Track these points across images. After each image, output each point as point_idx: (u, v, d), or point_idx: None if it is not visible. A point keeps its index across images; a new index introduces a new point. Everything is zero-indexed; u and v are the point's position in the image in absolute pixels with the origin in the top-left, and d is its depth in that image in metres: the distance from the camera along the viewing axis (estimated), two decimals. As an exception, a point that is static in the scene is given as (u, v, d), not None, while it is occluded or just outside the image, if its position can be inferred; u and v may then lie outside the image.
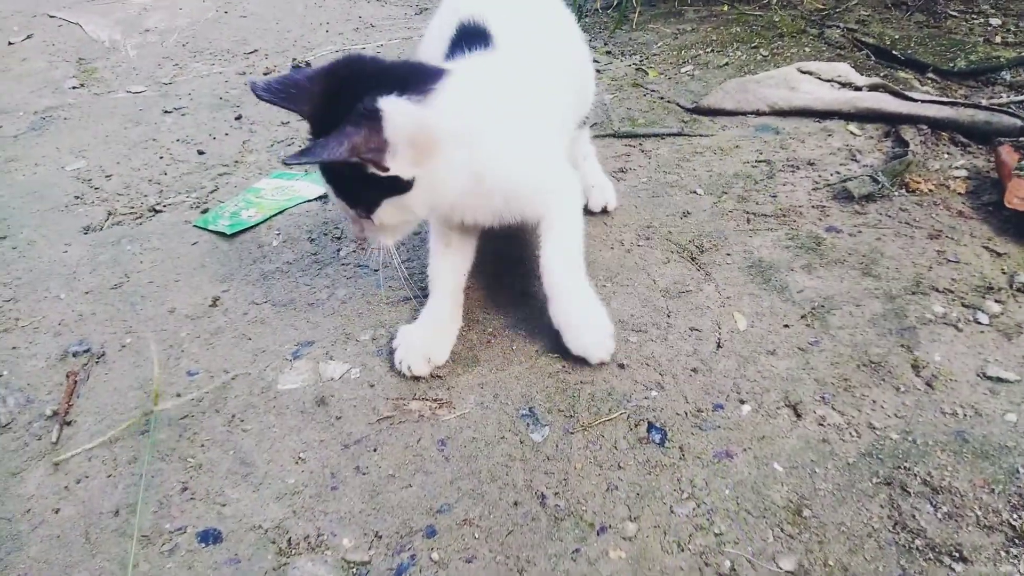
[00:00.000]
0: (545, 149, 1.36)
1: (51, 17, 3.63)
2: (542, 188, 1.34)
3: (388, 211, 1.20)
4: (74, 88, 2.81)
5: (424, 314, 1.40)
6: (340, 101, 1.12)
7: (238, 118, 2.45)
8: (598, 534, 1.05)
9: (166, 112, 2.54)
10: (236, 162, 2.17)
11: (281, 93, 1.18)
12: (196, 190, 2.02)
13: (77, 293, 1.61)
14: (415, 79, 1.17)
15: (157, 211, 1.93)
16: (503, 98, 1.29)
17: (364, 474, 1.16)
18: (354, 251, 1.68)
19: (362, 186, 1.16)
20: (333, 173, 1.20)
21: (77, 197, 2.01)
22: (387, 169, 1.12)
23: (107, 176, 2.12)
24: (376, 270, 1.61)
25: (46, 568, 1.04)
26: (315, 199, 1.92)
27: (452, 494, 1.12)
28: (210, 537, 1.07)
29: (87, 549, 1.06)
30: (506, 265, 1.58)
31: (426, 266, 1.59)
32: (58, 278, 1.66)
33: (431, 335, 1.36)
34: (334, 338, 1.43)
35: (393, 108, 1.10)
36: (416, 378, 1.32)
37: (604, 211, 1.74)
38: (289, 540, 1.06)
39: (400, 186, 1.16)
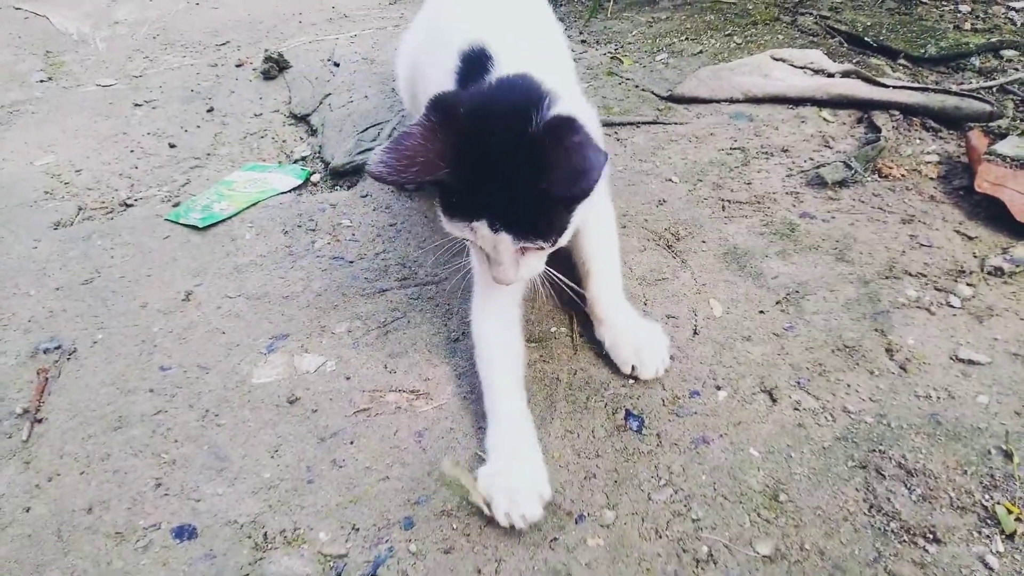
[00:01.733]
0: None
1: (17, 9, 3.55)
2: None
3: (573, 225, 1.14)
4: (42, 82, 2.75)
5: (499, 444, 1.14)
6: (491, 139, 1.05)
7: (210, 110, 2.42)
8: (576, 523, 1.06)
9: (136, 105, 2.50)
10: (208, 155, 2.14)
11: (403, 168, 1.02)
12: (168, 183, 1.99)
13: (47, 289, 1.58)
14: (533, 89, 1.11)
15: (128, 205, 1.90)
16: None
17: (341, 467, 1.15)
18: (328, 243, 1.66)
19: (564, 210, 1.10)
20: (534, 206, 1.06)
21: (47, 192, 1.98)
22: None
23: (77, 171, 2.08)
24: (352, 262, 1.60)
25: (17, 568, 1.02)
26: (288, 191, 1.90)
27: (430, 485, 1.12)
28: (185, 533, 1.06)
29: (59, 547, 1.05)
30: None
31: (403, 257, 1.59)
32: (27, 274, 1.63)
33: (523, 464, 1.11)
34: (309, 331, 1.41)
35: (576, 114, 1.07)
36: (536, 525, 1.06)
37: None
38: (265, 534, 1.05)
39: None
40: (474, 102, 1.08)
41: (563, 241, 1.15)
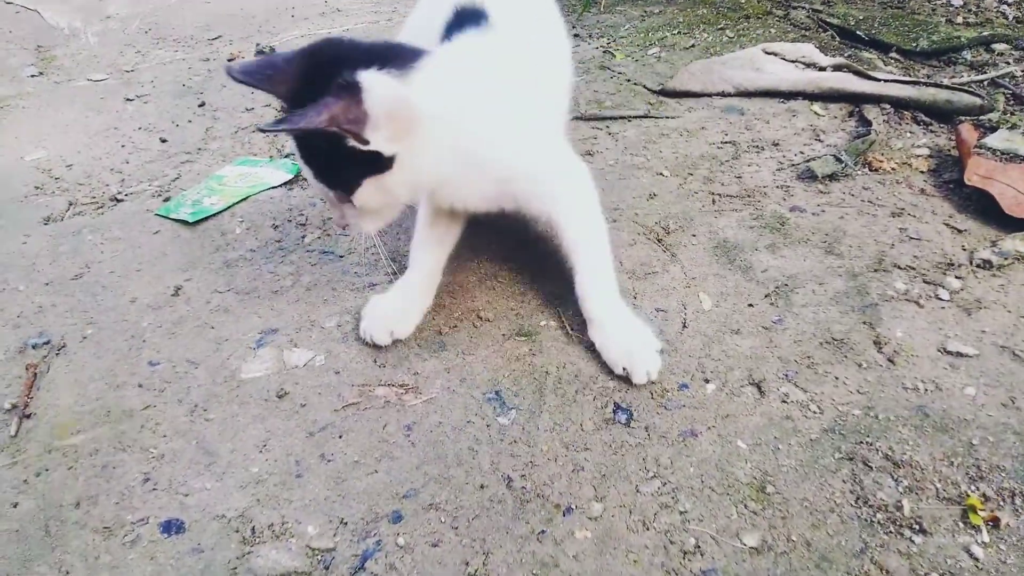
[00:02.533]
0: (541, 133, 1.34)
1: (8, 3, 3.54)
2: (540, 175, 1.31)
3: (369, 192, 1.18)
4: (33, 76, 2.75)
5: (396, 286, 1.42)
6: (319, 79, 1.10)
7: (201, 105, 2.41)
8: (564, 515, 1.06)
9: (128, 100, 2.49)
10: (199, 149, 2.14)
11: (258, 75, 1.16)
12: (158, 178, 1.99)
13: (37, 284, 1.58)
14: (396, 57, 1.17)
15: (119, 200, 1.89)
16: (494, 78, 1.28)
17: (329, 461, 1.15)
18: (319, 237, 1.66)
19: (343, 164, 1.15)
20: (312, 151, 1.17)
21: (37, 187, 1.97)
22: (367, 142, 1.10)
23: (68, 166, 2.08)
24: (342, 256, 1.60)
25: (4, 563, 1.02)
26: (279, 185, 1.89)
27: (418, 479, 1.12)
28: (173, 527, 1.06)
29: (47, 542, 1.05)
30: (473, 247, 1.57)
31: (393, 251, 1.59)
32: (17, 270, 1.63)
33: (399, 307, 1.38)
34: (299, 325, 1.41)
35: (373, 80, 1.10)
36: (377, 347, 1.35)
37: None
38: (253, 529, 1.05)
39: (381, 164, 1.15)
40: (332, 52, 1.17)
41: (357, 201, 1.19)
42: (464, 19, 1.33)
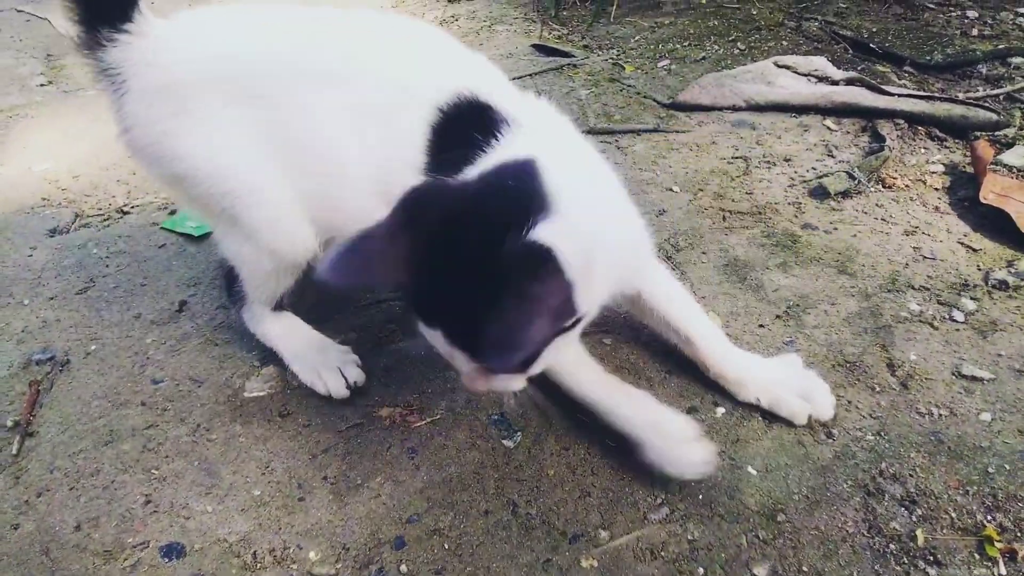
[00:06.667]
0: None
1: (18, 11, 3.55)
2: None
3: (551, 355, 0.97)
4: (42, 86, 2.75)
5: None
6: (458, 251, 0.88)
7: (210, 116, 2.40)
8: (570, 543, 1.04)
9: (137, 110, 2.49)
10: (207, 161, 2.13)
11: (357, 269, 0.88)
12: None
13: (41, 299, 1.57)
14: (529, 194, 0.90)
15: (125, 212, 1.89)
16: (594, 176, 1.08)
17: (332, 484, 1.13)
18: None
19: None
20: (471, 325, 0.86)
21: (44, 199, 1.97)
22: (577, 315, 0.91)
23: (75, 177, 2.07)
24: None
25: (2, 587, 1.01)
26: (287, 199, 1.88)
27: (422, 504, 1.10)
28: (173, 552, 1.05)
29: (46, 565, 1.03)
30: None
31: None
32: (22, 283, 1.62)
33: None
34: (303, 343, 1.40)
35: (562, 239, 0.87)
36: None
37: None
38: (254, 554, 1.04)
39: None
40: (452, 205, 0.91)
41: (535, 370, 0.97)
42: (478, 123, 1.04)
